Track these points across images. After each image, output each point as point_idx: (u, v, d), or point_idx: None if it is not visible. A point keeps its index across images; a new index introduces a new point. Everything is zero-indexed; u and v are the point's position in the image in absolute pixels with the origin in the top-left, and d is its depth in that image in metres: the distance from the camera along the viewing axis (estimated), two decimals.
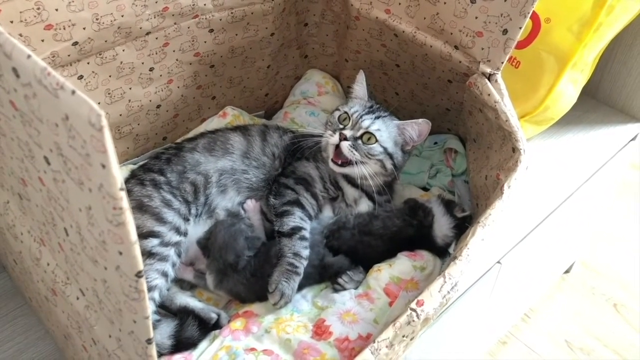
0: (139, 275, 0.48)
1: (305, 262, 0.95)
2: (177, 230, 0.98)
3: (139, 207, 0.97)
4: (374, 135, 1.02)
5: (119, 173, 0.42)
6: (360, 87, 1.10)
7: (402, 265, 0.96)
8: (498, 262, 1.09)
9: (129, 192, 0.99)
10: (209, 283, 0.98)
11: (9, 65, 0.46)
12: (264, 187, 1.07)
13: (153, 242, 0.94)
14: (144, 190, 1.00)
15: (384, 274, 0.95)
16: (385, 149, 1.03)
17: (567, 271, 1.79)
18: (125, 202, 0.43)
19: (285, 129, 1.16)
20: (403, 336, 0.77)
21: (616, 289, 1.76)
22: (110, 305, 0.57)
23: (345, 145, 1.00)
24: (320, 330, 0.89)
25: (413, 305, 0.76)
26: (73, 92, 0.40)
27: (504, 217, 0.86)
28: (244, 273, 0.96)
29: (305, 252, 0.96)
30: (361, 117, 1.03)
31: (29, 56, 0.44)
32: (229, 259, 0.95)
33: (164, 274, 0.93)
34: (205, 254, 0.99)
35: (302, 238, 0.97)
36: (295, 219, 0.99)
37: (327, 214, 1.06)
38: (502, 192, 0.86)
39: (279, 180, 1.06)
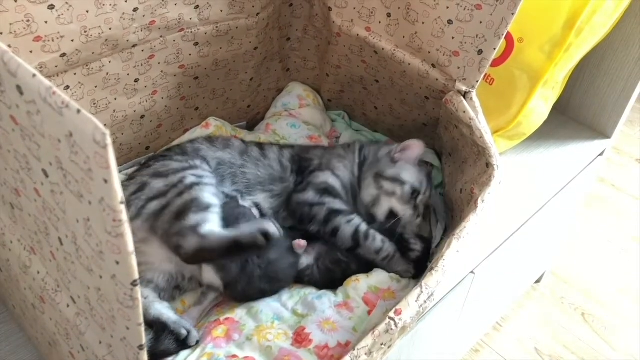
0: (134, 284, 0.50)
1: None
2: (206, 170, 1.01)
3: (158, 174, 1.00)
4: None
5: (120, 187, 0.44)
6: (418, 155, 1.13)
7: (379, 275, 0.99)
8: (472, 272, 1.12)
9: (143, 185, 1.00)
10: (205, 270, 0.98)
11: (13, 83, 0.48)
12: (266, 186, 1.08)
13: (189, 177, 0.97)
14: (156, 165, 1.03)
15: (362, 283, 0.98)
16: None
17: (537, 281, 1.84)
18: (124, 215, 0.46)
19: (282, 145, 1.18)
20: (381, 344, 0.80)
21: (584, 299, 1.82)
22: (102, 313, 0.59)
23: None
24: (300, 338, 0.91)
25: (391, 314, 0.79)
26: (78, 111, 0.43)
27: (478, 229, 0.90)
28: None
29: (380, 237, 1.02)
30: (429, 194, 1.10)
31: (34, 75, 0.46)
32: None
33: (217, 195, 0.97)
34: None
35: (367, 235, 1.01)
36: (349, 224, 1.02)
37: None
38: (476, 206, 0.89)
39: (297, 200, 1.05)
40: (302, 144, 1.24)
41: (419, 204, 1.08)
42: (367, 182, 1.09)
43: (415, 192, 1.07)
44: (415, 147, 1.10)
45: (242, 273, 0.97)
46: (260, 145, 1.15)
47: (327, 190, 1.05)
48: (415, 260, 1.02)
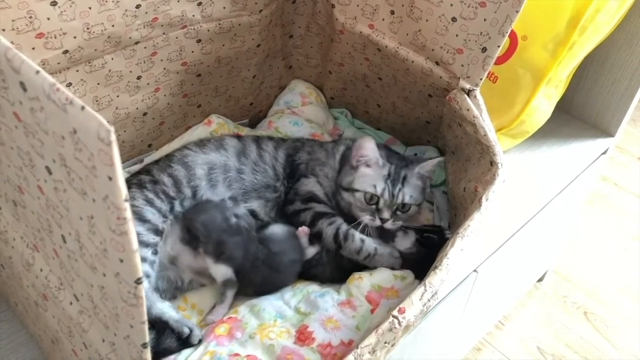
0: (138, 282, 0.50)
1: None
2: (156, 231, 0.98)
3: None
4: (409, 203, 1.06)
5: (124, 185, 0.44)
6: (372, 154, 1.07)
7: (382, 274, 0.99)
8: (474, 270, 1.12)
9: None
10: (209, 261, 0.99)
11: (16, 79, 0.48)
12: (261, 192, 1.09)
13: None
14: (129, 193, 1.00)
15: (365, 282, 0.97)
16: (418, 204, 1.08)
17: (540, 280, 1.84)
18: (128, 213, 0.45)
19: (277, 140, 1.18)
20: (385, 342, 0.79)
21: (586, 298, 1.82)
22: (106, 311, 0.59)
23: (388, 225, 1.05)
24: (303, 336, 0.91)
25: (395, 312, 0.79)
26: (82, 107, 0.42)
27: (481, 228, 0.89)
28: (243, 234, 1.00)
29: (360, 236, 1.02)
30: (392, 194, 1.05)
31: (37, 72, 0.45)
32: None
33: (147, 275, 0.94)
34: (195, 243, 1.00)
35: (346, 236, 1.02)
36: (330, 226, 1.03)
37: None
38: (480, 204, 0.89)
39: (287, 212, 1.08)
40: (297, 139, 1.22)
41: (381, 208, 1.05)
42: (336, 192, 1.10)
43: (373, 198, 1.05)
44: (364, 147, 1.06)
45: (245, 258, 0.98)
46: (257, 143, 1.14)
47: (311, 198, 1.08)
48: (408, 254, 1.03)
